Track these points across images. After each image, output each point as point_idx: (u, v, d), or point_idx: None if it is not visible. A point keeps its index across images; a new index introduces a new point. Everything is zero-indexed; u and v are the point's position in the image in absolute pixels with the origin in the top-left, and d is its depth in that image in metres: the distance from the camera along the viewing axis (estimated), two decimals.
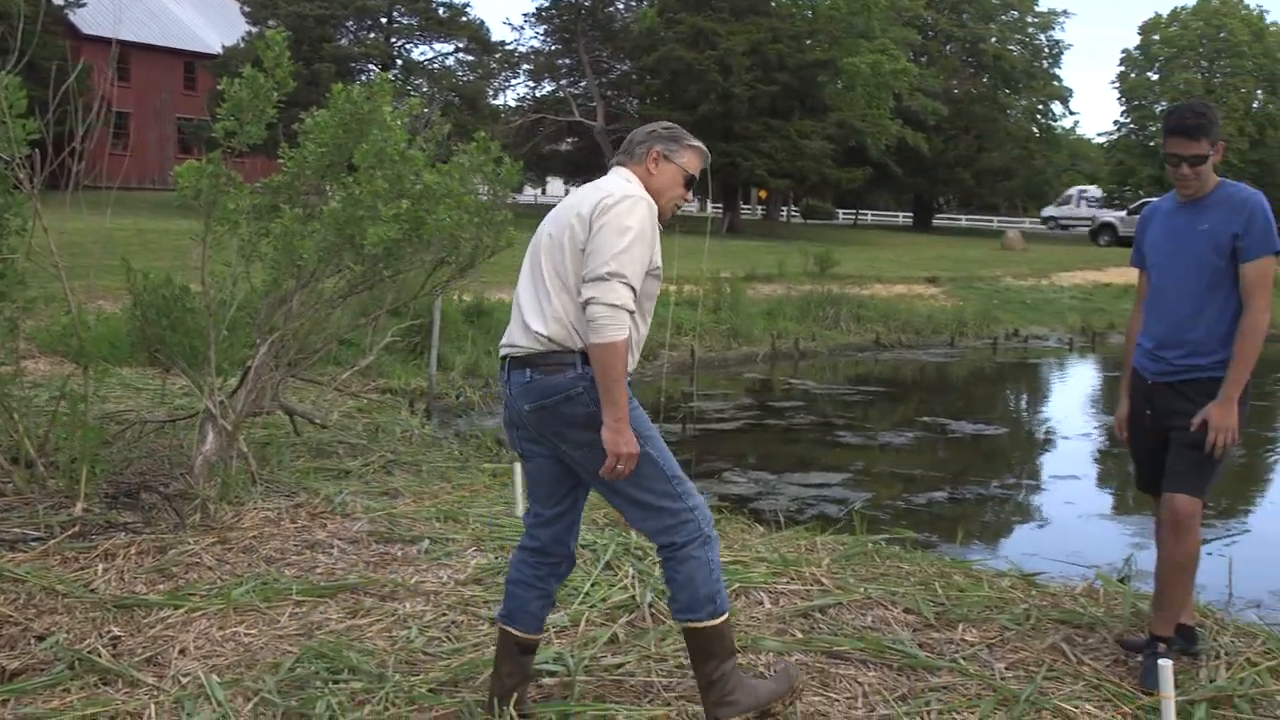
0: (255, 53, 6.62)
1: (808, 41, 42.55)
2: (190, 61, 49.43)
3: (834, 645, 4.68)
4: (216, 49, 43.08)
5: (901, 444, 11.87)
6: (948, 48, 56.54)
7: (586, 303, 3.50)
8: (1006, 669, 4.57)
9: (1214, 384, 4.46)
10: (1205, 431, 4.42)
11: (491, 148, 7.26)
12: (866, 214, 66.10)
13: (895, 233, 51.65)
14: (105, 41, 33.26)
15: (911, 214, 62.88)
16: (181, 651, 4.46)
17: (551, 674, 4.27)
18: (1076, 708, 4.20)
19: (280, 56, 6.40)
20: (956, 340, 21.00)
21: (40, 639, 4.50)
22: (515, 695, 3.89)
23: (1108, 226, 47.34)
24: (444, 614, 4.92)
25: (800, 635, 4.79)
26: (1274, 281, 4.59)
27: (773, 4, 43.02)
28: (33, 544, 5.52)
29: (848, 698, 4.25)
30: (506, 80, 50.35)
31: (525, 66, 49.97)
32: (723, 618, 3.73)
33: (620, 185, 3.72)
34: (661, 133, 3.91)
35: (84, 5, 38.92)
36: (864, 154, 45.38)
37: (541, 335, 3.62)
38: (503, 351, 3.80)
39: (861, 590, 5.38)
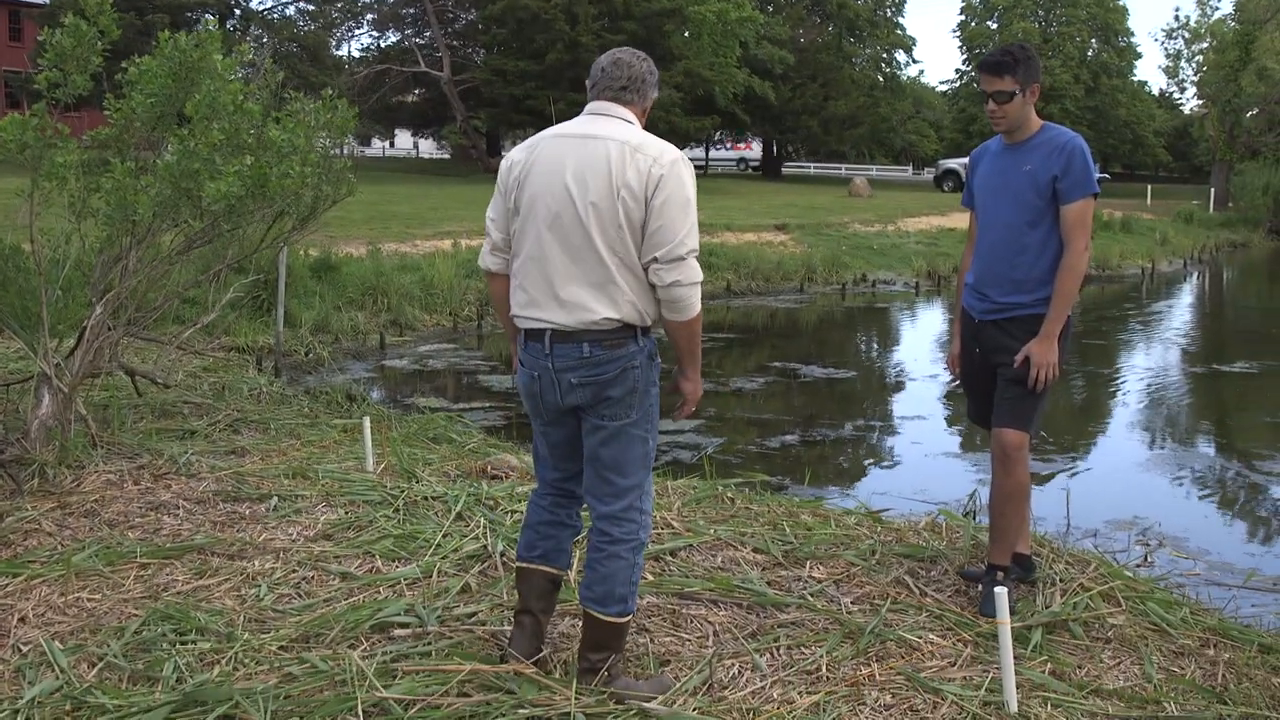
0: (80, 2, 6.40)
1: None
2: (15, 10, 47.33)
3: (685, 587, 4.76)
4: None
5: (754, 389, 12.02)
6: None
7: (670, 285, 3.52)
8: (853, 603, 4.70)
9: (1036, 321, 4.61)
10: (1028, 367, 4.59)
11: (340, 105, 7.15)
12: (716, 163, 66.55)
13: (744, 181, 52.03)
14: None
15: (760, 162, 63.46)
16: (21, 619, 4.34)
17: (404, 625, 4.26)
18: (920, 637, 4.34)
19: (102, 3, 6.21)
20: (806, 286, 21.27)
21: None
22: (542, 642, 3.98)
23: (951, 173, 48.37)
24: (294, 570, 4.87)
25: (652, 578, 4.85)
26: (1093, 222, 4.76)
27: None
28: None
29: (699, 637, 4.33)
30: (350, 30, 49.42)
31: (369, 16, 49.03)
32: (627, 618, 3.79)
33: (656, 144, 3.60)
34: (652, 78, 3.81)
35: None
36: (712, 103, 45.49)
37: (613, 319, 3.57)
38: (535, 325, 3.66)
39: (711, 532, 5.47)
